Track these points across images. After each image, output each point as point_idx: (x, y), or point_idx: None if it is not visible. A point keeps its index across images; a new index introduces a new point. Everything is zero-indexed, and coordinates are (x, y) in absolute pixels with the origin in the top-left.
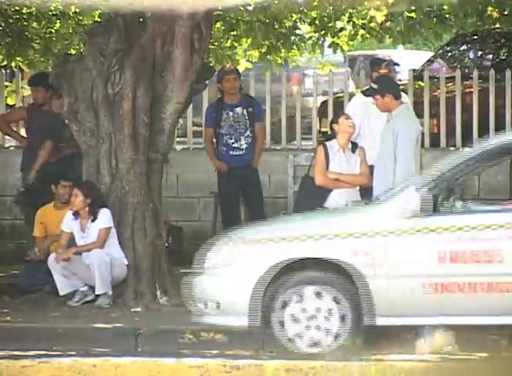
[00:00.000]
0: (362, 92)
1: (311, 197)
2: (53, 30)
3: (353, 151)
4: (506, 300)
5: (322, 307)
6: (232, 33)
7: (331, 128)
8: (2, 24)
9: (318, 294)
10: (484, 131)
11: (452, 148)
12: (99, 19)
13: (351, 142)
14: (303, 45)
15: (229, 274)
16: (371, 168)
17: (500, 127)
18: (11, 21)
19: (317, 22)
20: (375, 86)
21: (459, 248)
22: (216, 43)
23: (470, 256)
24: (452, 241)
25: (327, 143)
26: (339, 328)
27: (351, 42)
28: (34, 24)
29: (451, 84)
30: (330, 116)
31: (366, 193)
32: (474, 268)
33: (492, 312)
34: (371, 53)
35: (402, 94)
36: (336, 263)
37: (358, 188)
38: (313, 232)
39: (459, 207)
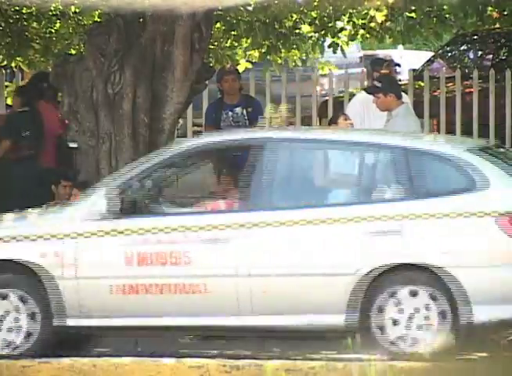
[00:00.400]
0: (365, 90)
1: None
2: (53, 30)
3: None
4: (193, 301)
5: (11, 309)
6: (232, 33)
7: None
8: (2, 24)
9: (5, 296)
10: (484, 131)
11: None
12: (99, 19)
13: None
14: (303, 45)
15: None
16: None
17: (500, 127)
18: (11, 21)
19: (317, 22)
20: (379, 84)
21: (146, 250)
22: (216, 43)
23: (156, 258)
24: (139, 243)
25: None
26: (29, 328)
27: (351, 42)
28: (34, 24)
29: (451, 84)
30: (330, 116)
31: None
32: (160, 270)
33: (180, 313)
34: (371, 53)
35: (403, 94)
36: (26, 265)
37: None
38: (3, 234)
39: (152, 209)
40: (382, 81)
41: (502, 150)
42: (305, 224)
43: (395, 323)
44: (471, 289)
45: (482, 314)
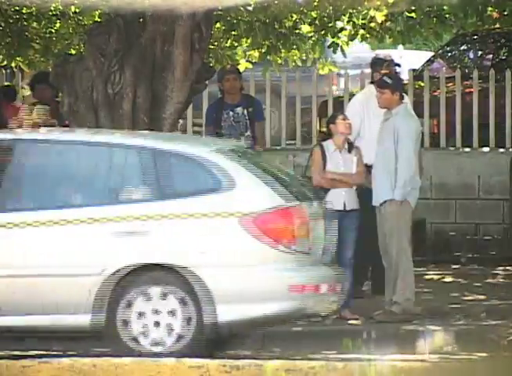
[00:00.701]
0: (373, 83)
1: None
2: (53, 30)
3: (349, 151)
4: None
5: None
6: (232, 33)
7: (328, 128)
8: (2, 24)
9: None
10: (484, 131)
11: (452, 148)
12: (99, 19)
13: (348, 142)
14: (303, 45)
15: None
16: (370, 167)
17: (500, 127)
18: (11, 21)
19: (317, 22)
20: (389, 81)
21: None
22: (216, 43)
23: None
24: None
25: (323, 143)
26: None
27: (351, 42)
28: (34, 24)
29: (451, 84)
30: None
31: (364, 192)
32: None
33: None
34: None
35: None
36: None
37: (355, 187)
38: None
39: None
40: (392, 78)
41: (252, 151)
42: (51, 225)
43: (142, 324)
44: (215, 289)
45: (227, 314)
